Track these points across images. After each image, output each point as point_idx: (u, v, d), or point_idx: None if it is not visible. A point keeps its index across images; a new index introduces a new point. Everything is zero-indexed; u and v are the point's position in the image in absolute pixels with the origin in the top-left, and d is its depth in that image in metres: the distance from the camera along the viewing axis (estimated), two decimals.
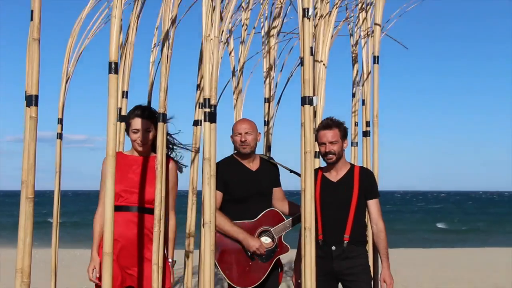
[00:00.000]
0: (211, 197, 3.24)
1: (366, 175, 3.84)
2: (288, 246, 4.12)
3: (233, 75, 4.95)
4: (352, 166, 3.90)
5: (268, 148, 5.10)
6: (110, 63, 2.79)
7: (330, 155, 3.78)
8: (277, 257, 4.08)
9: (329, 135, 3.78)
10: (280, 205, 4.21)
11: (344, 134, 3.83)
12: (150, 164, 3.53)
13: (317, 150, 4.22)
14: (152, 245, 3.23)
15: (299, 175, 3.51)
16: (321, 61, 4.40)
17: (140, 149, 3.55)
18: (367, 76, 4.59)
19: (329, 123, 3.81)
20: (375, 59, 4.37)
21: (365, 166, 4.54)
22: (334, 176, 3.84)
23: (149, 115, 3.53)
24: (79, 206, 42.44)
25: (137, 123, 3.53)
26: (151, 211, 3.40)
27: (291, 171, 4.29)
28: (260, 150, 4.66)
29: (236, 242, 3.97)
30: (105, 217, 2.71)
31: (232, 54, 4.93)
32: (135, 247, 3.43)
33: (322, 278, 3.62)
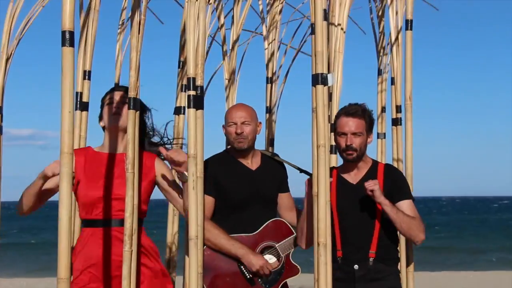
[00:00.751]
0: (198, 205, 3.21)
1: (391, 172, 3.83)
2: (298, 267, 4.09)
3: (225, 51, 4.90)
4: (375, 163, 3.88)
5: (271, 142, 5.07)
6: (63, 33, 2.76)
7: (351, 151, 3.74)
8: (284, 281, 4.05)
9: (353, 124, 3.74)
10: (289, 215, 4.17)
11: (370, 126, 3.82)
12: (140, 161, 3.49)
13: (333, 143, 4.19)
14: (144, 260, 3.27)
15: (311, 175, 3.48)
16: (339, 24, 4.34)
17: (117, 123, 3.54)
18: (395, 46, 4.55)
19: (354, 109, 3.78)
20: (408, 24, 4.32)
21: (395, 163, 4.51)
22: (353, 176, 3.82)
23: (127, 88, 3.51)
24: (26, 223, 42.40)
25: (112, 94, 3.59)
26: (141, 222, 3.47)
27: (302, 170, 4.25)
28: (261, 145, 4.63)
29: (231, 261, 3.92)
30: (59, 233, 2.67)
31: (223, 20, 4.88)
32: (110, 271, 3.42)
33: None
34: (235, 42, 4.86)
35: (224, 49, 4.85)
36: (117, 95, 3.58)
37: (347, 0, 4.37)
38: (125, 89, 3.55)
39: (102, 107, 3.64)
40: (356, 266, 3.71)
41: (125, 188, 3.28)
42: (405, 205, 3.77)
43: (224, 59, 4.85)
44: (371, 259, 3.70)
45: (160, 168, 3.64)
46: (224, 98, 4.84)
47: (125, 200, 3.32)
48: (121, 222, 3.40)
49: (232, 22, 4.87)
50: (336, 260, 3.66)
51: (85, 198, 3.49)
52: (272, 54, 5.10)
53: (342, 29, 4.39)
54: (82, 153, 3.59)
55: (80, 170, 3.52)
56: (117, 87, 3.69)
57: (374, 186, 3.65)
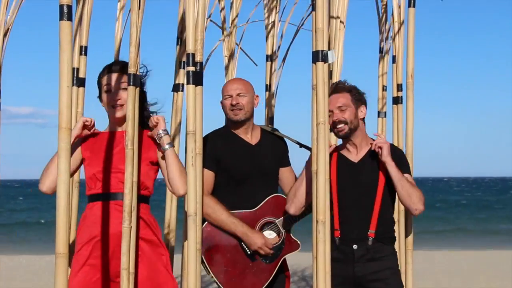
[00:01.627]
0: (197, 181, 3.21)
1: (393, 151, 3.81)
2: (298, 242, 4.11)
3: (223, 28, 4.88)
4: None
5: (271, 120, 5.06)
6: (61, 6, 2.74)
7: (340, 125, 3.73)
8: (284, 257, 4.06)
9: (336, 99, 3.75)
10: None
11: (358, 98, 3.80)
12: (140, 138, 3.47)
13: None
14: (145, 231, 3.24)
15: (311, 150, 3.48)
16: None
17: (118, 114, 3.51)
18: (397, 23, 4.53)
19: (337, 87, 3.79)
20: (411, 1, 4.30)
21: (396, 141, 4.52)
22: (355, 155, 3.81)
23: (124, 69, 3.47)
24: (26, 201, 42.52)
25: (108, 79, 3.52)
26: (144, 199, 3.44)
27: (302, 145, 4.25)
28: (260, 122, 4.62)
29: (232, 237, 3.94)
30: (57, 208, 2.67)
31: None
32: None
33: (340, 287, 3.60)
34: (234, 19, 4.83)
35: (223, 26, 4.82)
36: (114, 80, 3.51)
37: None
38: (121, 67, 3.52)
39: (99, 89, 3.60)
40: (355, 246, 3.70)
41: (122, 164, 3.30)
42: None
43: (223, 34, 4.82)
44: (370, 239, 3.70)
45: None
46: (224, 75, 4.83)
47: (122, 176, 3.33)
48: (122, 196, 3.40)
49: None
50: (333, 240, 3.65)
51: (87, 173, 3.49)
52: (272, 30, 5.06)
53: (343, 5, 4.36)
54: (90, 134, 3.59)
55: (87, 148, 3.53)
56: (113, 65, 3.61)
57: (383, 143, 3.66)
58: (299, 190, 3.81)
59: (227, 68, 4.84)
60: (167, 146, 3.41)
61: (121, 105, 3.50)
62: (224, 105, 4.06)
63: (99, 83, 3.60)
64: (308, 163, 3.74)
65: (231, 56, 4.84)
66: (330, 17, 4.34)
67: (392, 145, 3.95)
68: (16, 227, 25.10)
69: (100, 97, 3.61)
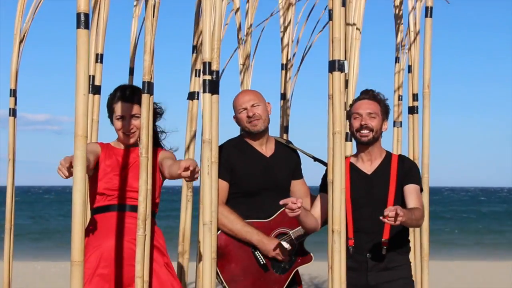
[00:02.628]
0: (212, 190, 3.20)
1: (405, 163, 3.80)
2: (311, 255, 4.09)
3: (239, 36, 4.88)
4: (389, 154, 3.85)
5: (286, 129, 5.05)
6: (78, 15, 2.74)
7: (366, 131, 3.70)
8: (296, 269, 4.04)
9: (368, 105, 3.72)
10: (306, 202, 4.16)
11: (385, 111, 3.79)
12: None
13: (348, 131, 4.17)
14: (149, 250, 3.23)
15: (326, 164, 3.46)
16: (356, 10, 4.30)
17: (129, 141, 3.58)
18: (413, 33, 4.52)
19: (369, 93, 3.77)
20: (428, 11, 4.28)
21: (411, 151, 4.50)
22: (368, 166, 3.79)
23: (135, 97, 3.52)
24: (43, 207, 42.75)
25: (120, 107, 3.56)
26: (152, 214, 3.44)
27: (316, 159, 4.24)
28: (275, 132, 4.61)
29: (245, 247, 3.93)
30: (73, 216, 2.67)
31: (238, 4, 4.85)
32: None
33: None
34: (249, 28, 4.83)
35: (239, 34, 4.83)
36: (128, 109, 3.55)
37: None
38: (131, 95, 3.55)
39: (110, 113, 3.64)
40: (368, 255, 3.68)
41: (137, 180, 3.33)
42: (411, 188, 3.71)
43: (239, 43, 4.83)
44: (384, 248, 3.68)
45: (164, 153, 3.65)
46: (239, 84, 4.83)
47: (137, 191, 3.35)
48: (132, 208, 3.44)
49: (247, 6, 4.85)
50: (347, 249, 3.63)
51: (99, 187, 3.53)
52: (287, 37, 5.06)
53: (359, 15, 4.35)
54: (105, 147, 3.63)
55: (102, 160, 3.57)
56: (125, 92, 3.62)
57: (390, 211, 3.48)
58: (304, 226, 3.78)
59: (242, 76, 4.85)
60: None
61: (133, 133, 3.56)
62: (240, 118, 4.04)
63: (110, 108, 3.63)
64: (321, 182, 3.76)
65: (246, 65, 4.84)
66: (347, 25, 4.34)
67: (406, 158, 3.92)
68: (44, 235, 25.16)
69: (110, 118, 3.64)
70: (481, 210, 43.45)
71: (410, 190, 3.71)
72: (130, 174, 3.53)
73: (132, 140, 3.58)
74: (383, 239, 3.67)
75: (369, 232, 3.70)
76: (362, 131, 3.71)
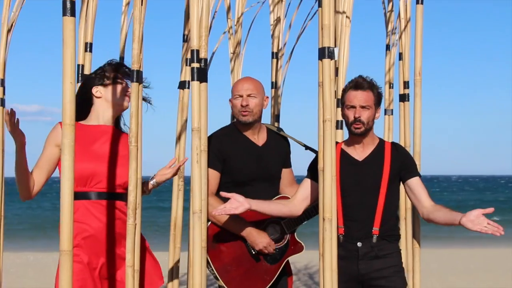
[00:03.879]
0: (202, 178, 3.19)
1: (399, 152, 3.80)
2: (303, 244, 4.08)
3: (229, 24, 4.85)
4: (382, 141, 3.84)
5: (277, 117, 5.04)
6: (64, 2, 2.73)
7: (359, 124, 3.70)
8: (287, 259, 4.04)
9: (362, 97, 3.71)
10: (291, 190, 4.14)
11: (378, 100, 3.78)
12: (123, 140, 3.49)
13: (339, 119, 4.15)
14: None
15: (316, 152, 3.45)
16: None
17: (126, 104, 3.54)
18: (404, 20, 4.50)
19: (362, 83, 3.74)
20: None
21: (403, 139, 4.48)
22: (360, 153, 3.78)
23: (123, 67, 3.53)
24: (35, 198, 42.58)
25: (121, 75, 3.55)
26: (123, 198, 3.40)
27: (307, 147, 4.22)
28: (266, 121, 4.60)
29: (237, 237, 3.91)
30: (61, 205, 2.65)
31: None
32: (104, 246, 3.40)
33: (344, 285, 3.58)
34: (240, 16, 4.81)
35: (229, 22, 4.80)
36: (127, 85, 3.56)
37: None
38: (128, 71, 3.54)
39: (105, 77, 3.56)
40: (359, 244, 3.68)
41: (119, 163, 3.37)
42: (415, 181, 3.76)
43: (229, 31, 4.80)
44: (374, 236, 3.67)
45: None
46: (229, 72, 4.81)
47: (119, 174, 3.38)
48: (116, 196, 3.43)
49: None
50: (338, 238, 3.62)
51: (77, 171, 3.45)
52: (278, 27, 5.04)
53: (349, 1, 4.33)
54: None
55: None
56: (125, 67, 3.62)
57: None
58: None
59: (232, 64, 4.82)
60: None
61: (124, 109, 3.56)
62: (234, 104, 4.01)
63: (106, 74, 3.55)
64: (307, 169, 3.77)
65: (236, 53, 4.82)
66: (336, 13, 4.31)
67: (399, 146, 3.91)
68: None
69: (101, 82, 3.54)
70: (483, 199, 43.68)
71: (416, 184, 3.75)
72: (111, 154, 3.48)
73: (126, 104, 3.55)
74: (373, 227, 3.67)
75: (358, 220, 3.69)
76: (355, 124, 3.71)
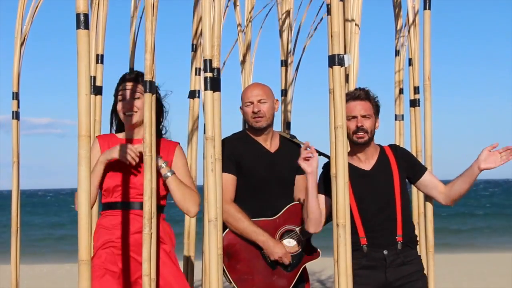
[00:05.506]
0: (217, 186, 3.21)
1: (400, 153, 3.89)
2: (319, 251, 4.09)
3: (239, 31, 4.88)
4: (382, 147, 3.90)
5: (288, 125, 5.06)
6: (78, 15, 2.74)
7: (362, 133, 3.73)
8: (304, 265, 4.04)
9: (361, 107, 3.77)
10: (303, 197, 4.15)
11: (377, 109, 3.85)
12: (157, 148, 3.52)
13: None
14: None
15: (329, 157, 3.47)
16: (355, 3, 4.31)
17: (134, 119, 3.55)
18: (412, 26, 4.51)
19: (360, 93, 3.82)
20: (426, 3, 4.28)
21: (414, 144, 4.50)
22: (366, 163, 3.82)
23: (138, 77, 3.55)
24: (50, 210, 42.80)
25: (123, 87, 3.57)
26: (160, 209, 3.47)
27: (320, 153, 4.23)
28: (277, 127, 4.62)
29: (253, 244, 3.93)
30: (79, 216, 2.68)
31: (238, 2, 4.86)
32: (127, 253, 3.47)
33: None
34: (248, 23, 4.84)
35: (238, 29, 4.83)
36: (128, 90, 3.57)
37: None
38: (135, 76, 3.58)
39: (115, 99, 3.64)
40: (385, 251, 3.70)
41: (139, 175, 3.38)
42: (427, 176, 3.88)
43: (238, 36, 4.82)
44: (399, 243, 3.71)
45: (179, 156, 3.64)
46: (240, 80, 4.84)
47: (138, 186, 3.40)
48: (139, 205, 3.44)
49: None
50: (359, 248, 3.65)
51: (105, 183, 3.53)
52: (286, 35, 5.06)
53: (358, 9, 4.36)
54: (106, 138, 3.63)
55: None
56: (128, 74, 3.66)
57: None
58: (309, 208, 3.74)
59: (242, 72, 4.85)
60: (168, 174, 3.50)
61: (135, 112, 3.55)
62: (246, 112, 4.03)
63: (115, 94, 3.64)
64: (318, 183, 3.77)
65: (246, 61, 4.85)
66: (345, 20, 4.34)
67: (397, 147, 3.97)
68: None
69: (115, 107, 3.64)
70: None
71: (429, 178, 3.88)
72: (132, 169, 3.52)
73: (134, 119, 3.55)
74: (397, 235, 3.71)
75: (381, 228, 3.72)
76: (358, 133, 3.74)
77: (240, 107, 4.10)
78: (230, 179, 3.90)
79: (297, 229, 4.01)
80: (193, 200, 3.48)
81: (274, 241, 3.93)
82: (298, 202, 4.08)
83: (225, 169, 3.53)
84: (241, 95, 4.09)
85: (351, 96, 3.78)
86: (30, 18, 4.31)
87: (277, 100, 4.11)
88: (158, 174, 3.43)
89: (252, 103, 3.99)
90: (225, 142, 3.80)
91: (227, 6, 4.78)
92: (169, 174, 3.48)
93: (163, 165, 3.49)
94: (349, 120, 3.73)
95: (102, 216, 3.57)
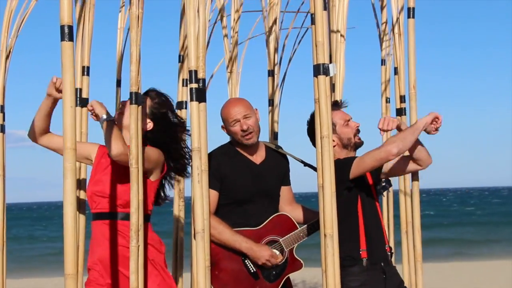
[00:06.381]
0: (204, 198, 3.20)
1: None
2: (302, 262, 4.07)
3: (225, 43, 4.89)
4: None
5: (275, 135, 5.05)
6: (62, 27, 2.75)
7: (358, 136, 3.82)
8: (287, 276, 4.03)
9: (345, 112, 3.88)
10: (290, 209, 4.15)
11: None
12: None
13: None
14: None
15: (315, 169, 3.47)
16: (340, 13, 4.33)
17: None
18: (397, 35, 4.53)
19: (337, 101, 3.98)
20: (410, 12, 4.31)
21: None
22: None
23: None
24: (31, 223, 42.56)
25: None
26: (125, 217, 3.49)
27: (306, 164, 4.23)
28: (264, 138, 4.62)
29: (235, 256, 3.91)
30: (64, 228, 2.66)
31: (224, 14, 4.86)
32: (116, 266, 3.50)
33: None
34: (234, 35, 4.84)
35: (225, 40, 4.84)
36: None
37: None
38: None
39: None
40: (383, 264, 3.71)
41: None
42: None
43: (225, 46, 4.83)
44: (389, 254, 3.74)
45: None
46: (227, 91, 4.84)
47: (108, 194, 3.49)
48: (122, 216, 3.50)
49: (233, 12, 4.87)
50: (359, 263, 3.65)
51: (88, 191, 3.63)
52: (272, 45, 5.07)
53: (343, 18, 4.38)
54: (103, 148, 3.69)
55: (94, 164, 3.66)
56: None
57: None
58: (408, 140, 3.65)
59: (229, 82, 4.86)
60: (104, 117, 3.46)
61: (121, 114, 3.66)
62: (234, 131, 3.94)
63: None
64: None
65: (233, 72, 4.85)
66: (330, 31, 4.36)
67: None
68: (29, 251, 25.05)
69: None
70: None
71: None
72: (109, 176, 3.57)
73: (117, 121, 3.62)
74: (386, 245, 3.73)
75: (377, 240, 3.73)
76: (357, 135, 3.85)
77: (223, 127, 4.03)
78: (213, 195, 3.85)
79: (281, 240, 4.00)
80: (117, 143, 3.38)
81: (257, 245, 3.91)
82: (282, 213, 4.08)
83: (209, 184, 3.50)
84: (222, 115, 4.00)
85: (332, 104, 3.83)
86: (15, 31, 4.28)
87: (256, 109, 4.07)
88: (144, 184, 3.44)
89: (238, 121, 3.93)
90: (211, 157, 3.77)
91: (215, 21, 4.79)
92: (104, 117, 3.45)
93: (104, 116, 3.47)
94: (346, 125, 3.78)
95: (92, 226, 3.64)
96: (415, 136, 3.61)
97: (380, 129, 3.67)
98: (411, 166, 3.78)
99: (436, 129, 3.70)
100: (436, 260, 14.95)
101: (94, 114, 3.48)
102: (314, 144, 3.75)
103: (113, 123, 3.45)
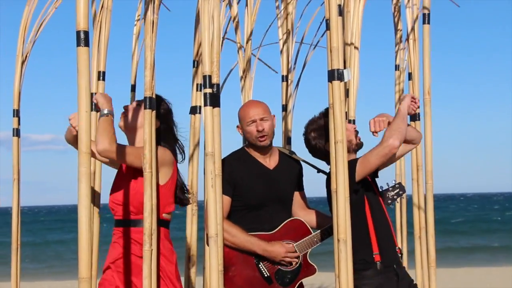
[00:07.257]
0: (217, 203, 3.21)
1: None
2: (315, 267, 4.06)
3: (239, 48, 4.90)
4: None
5: (288, 140, 5.05)
6: (78, 33, 2.76)
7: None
8: (300, 281, 4.02)
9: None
10: (304, 214, 4.15)
11: None
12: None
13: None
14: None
15: (328, 175, 3.47)
16: (354, 19, 4.33)
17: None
18: (411, 40, 4.53)
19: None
20: (425, 18, 4.30)
21: (414, 159, 4.51)
22: None
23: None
24: (48, 227, 42.75)
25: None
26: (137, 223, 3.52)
27: (319, 170, 4.23)
28: (277, 144, 4.62)
29: (249, 260, 3.91)
30: (79, 232, 2.67)
31: (237, 18, 4.87)
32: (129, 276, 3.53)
33: None
34: (248, 39, 4.85)
35: (238, 46, 4.84)
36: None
37: None
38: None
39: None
40: (395, 265, 3.71)
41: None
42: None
43: (238, 53, 4.83)
44: (399, 255, 3.74)
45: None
46: (240, 95, 4.84)
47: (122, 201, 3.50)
48: (135, 223, 3.53)
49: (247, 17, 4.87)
50: (373, 267, 3.65)
51: (110, 198, 3.67)
52: (287, 51, 5.07)
53: (357, 24, 4.37)
54: None
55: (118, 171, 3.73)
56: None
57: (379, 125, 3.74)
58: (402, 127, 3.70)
59: (243, 88, 4.86)
60: (105, 111, 3.47)
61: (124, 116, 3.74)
62: (249, 131, 3.95)
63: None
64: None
65: (247, 77, 4.85)
66: (345, 35, 4.35)
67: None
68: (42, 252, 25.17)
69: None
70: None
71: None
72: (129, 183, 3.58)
73: (119, 124, 3.69)
74: (397, 247, 3.73)
75: (389, 242, 3.73)
76: (360, 141, 3.87)
77: (238, 126, 4.05)
78: (225, 200, 3.86)
79: (295, 244, 3.99)
80: (105, 139, 3.38)
81: (271, 244, 3.90)
82: (296, 218, 4.08)
83: (222, 189, 3.51)
84: (240, 114, 4.03)
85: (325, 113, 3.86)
86: (32, 37, 4.33)
87: (274, 115, 4.09)
88: (158, 189, 3.44)
89: (254, 121, 3.94)
90: (224, 163, 3.78)
91: (228, 23, 4.80)
92: (105, 111, 3.47)
93: (105, 111, 3.48)
94: (347, 127, 3.82)
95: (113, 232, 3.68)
96: (405, 123, 3.69)
97: (373, 132, 3.71)
98: (406, 147, 3.84)
99: (417, 108, 3.85)
100: (448, 266, 14.86)
101: (97, 107, 3.54)
102: (313, 155, 3.87)
103: (111, 120, 3.48)
